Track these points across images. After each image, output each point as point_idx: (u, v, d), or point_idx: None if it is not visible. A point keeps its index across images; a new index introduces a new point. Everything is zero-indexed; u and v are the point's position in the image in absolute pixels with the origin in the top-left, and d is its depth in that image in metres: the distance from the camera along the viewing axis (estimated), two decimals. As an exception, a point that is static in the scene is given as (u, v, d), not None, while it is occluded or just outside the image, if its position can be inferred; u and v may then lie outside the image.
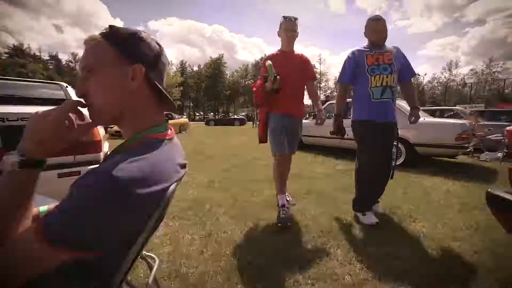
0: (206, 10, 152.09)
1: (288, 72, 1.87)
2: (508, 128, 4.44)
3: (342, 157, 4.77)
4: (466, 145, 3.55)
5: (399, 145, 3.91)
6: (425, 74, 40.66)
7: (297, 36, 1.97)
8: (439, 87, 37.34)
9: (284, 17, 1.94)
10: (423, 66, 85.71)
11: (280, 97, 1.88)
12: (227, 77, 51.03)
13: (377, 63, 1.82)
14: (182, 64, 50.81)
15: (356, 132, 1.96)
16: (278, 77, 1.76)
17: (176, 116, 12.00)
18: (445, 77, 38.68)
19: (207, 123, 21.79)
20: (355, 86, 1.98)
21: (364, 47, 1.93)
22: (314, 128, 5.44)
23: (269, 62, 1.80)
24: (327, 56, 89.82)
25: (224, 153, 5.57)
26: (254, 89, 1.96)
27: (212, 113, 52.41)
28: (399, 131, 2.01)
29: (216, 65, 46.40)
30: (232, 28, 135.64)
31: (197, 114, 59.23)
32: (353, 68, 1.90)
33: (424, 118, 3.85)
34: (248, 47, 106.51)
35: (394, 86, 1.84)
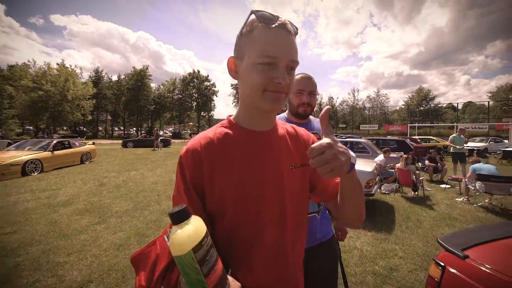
0: (130, 15, 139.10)
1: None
2: (397, 165, 5.25)
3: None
4: (372, 191, 3.86)
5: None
6: (337, 98, 49.36)
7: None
8: (347, 109, 45.33)
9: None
10: (335, 88, 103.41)
11: None
12: (153, 90, 46.72)
13: None
14: (98, 72, 43.45)
15: None
16: None
17: (77, 144, 9.47)
18: (351, 100, 47.61)
19: (125, 145, 18.62)
20: None
21: (283, 118, 1.28)
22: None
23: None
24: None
25: (135, 202, 4.43)
26: None
27: (134, 129, 46.29)
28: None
29: (139, 77, 41.70)
30: (160, 37, 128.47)
31: (116, 129, 51.36)
32: None
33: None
34: (178, 59, 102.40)
35: None
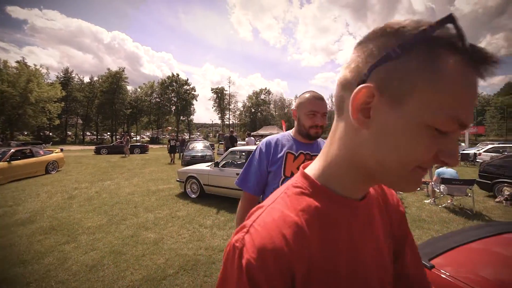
0: (103, 13, 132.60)
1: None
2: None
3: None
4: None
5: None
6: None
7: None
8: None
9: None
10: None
11: None
12: (129, 93, 44.75)
13: None
14: (67, 73, 40.64)
15: None
16: None
17: (41, 152, 8.69)
18: (330, 106, 49.55)
19: (98, 152, 17.55)
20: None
21: (288, 136, 1.18)
22: (215, 177, 5.02)
23: None
24: (236, 78, 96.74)
25: (110, 216, 4.18)
26: None
27: (108, 134, 43.82)
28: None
29: (114, 79, 39.73)
30: (137, 38, 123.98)
31: (88, 134, 48.24)
32: (258, 177, 1.13)
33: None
34: (156, 61, 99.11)
35: None
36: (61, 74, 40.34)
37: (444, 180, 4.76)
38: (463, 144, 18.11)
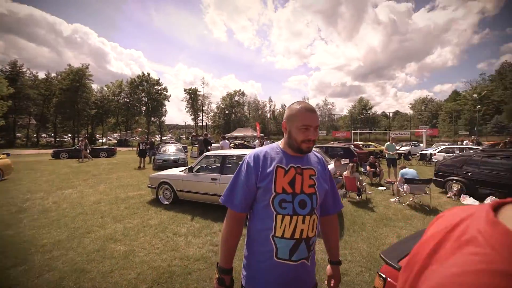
0: (62, 3, 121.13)
1: None
2: (344, 173, 5.83)
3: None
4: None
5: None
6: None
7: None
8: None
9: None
10: (287, 95, 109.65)
11: None
12: (94, 92, 41.34)
13: (291, 189, 1.02)
14: (16, 67, 35.79)
15: None
16: None
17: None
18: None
19: (57, 156, 15.86)
20: (249, 221, 1.13)
21: (277, 149, 1.12)
22: (189, 183, 4.87)
23: None
24: (210, 79, 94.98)
25: (71, 229, 3.76)
26: None
27: (70, 136, 39.92)
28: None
29: (77, 77, 36.31)
30: (102, 33, 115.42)
31: (45, 135, 43.45)
32: (246, 192, 1.06)
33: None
34: (125, 59, 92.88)
35: (312, 237, 1.05)
36: (7, 67, 35.29)
37: (407, 180, 5.20)
38: (421, 145, 20.01)
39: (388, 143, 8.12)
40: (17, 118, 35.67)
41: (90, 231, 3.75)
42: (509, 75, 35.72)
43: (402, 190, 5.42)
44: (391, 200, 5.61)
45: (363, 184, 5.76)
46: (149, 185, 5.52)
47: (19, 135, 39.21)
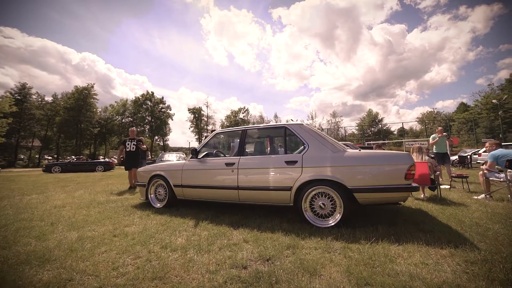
0: (70, 34, 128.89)
1: None
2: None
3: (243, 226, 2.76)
4: (415, 184, 2.53)
5: (334, 193, 2.45)
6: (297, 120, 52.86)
7: None
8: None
9: None
10: (290, 116, 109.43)
11: None
12: (98, 111, 41.01)
13: None
14: (23, 88, 35.50)
15: None
16: None
17: None
18: (310, 123, 50.48)
19: (48, 170, 14.38)
20: None
21: None
22: (193, 173, 3.28)
23: None
24: (213, 101, 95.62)
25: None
26: None
27: (72, 156, 38.66)
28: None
29: (82, 96, 36.07)
30: (109, 60, 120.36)
31: (49, 158, 42.20)
32: None
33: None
34: (129, 84, 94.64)
35: None
36: (14, 90, 34.98)
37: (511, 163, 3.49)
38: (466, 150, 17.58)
39: (434, 135, 6.45)
40: (20, 139, 34.86)
41: (16, 242, 2.12)
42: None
43: (499, 180, 3.70)
44: (474, 197, 3.86)
45: (437, 173, 4.05)
46: (137, 182, 3.94)
47: (22, 156, 38.18)
